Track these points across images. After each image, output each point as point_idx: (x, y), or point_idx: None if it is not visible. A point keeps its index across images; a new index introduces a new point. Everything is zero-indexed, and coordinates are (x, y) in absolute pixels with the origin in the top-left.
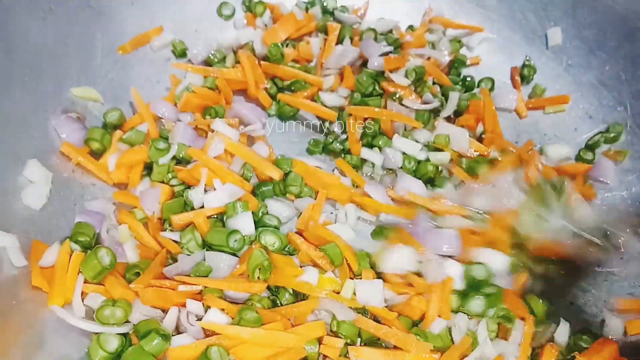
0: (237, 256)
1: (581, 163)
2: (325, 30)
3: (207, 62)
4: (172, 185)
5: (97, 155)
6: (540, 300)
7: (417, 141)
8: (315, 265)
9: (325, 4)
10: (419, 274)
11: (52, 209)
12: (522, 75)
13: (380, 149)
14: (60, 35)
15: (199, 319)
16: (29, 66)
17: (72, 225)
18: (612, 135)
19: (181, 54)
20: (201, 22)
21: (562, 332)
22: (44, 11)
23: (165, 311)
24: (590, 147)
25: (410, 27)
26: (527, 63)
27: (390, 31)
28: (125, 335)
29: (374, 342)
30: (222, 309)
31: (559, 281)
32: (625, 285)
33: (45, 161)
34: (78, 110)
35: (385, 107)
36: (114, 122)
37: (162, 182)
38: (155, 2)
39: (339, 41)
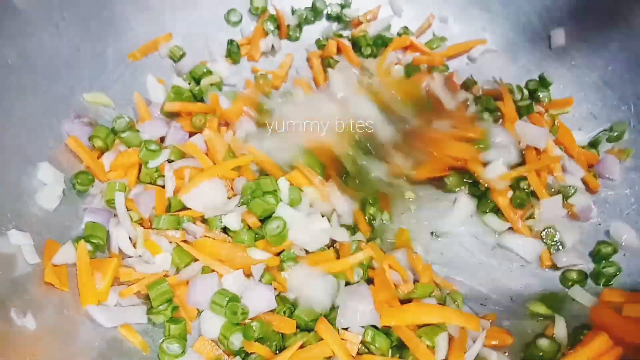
0: None
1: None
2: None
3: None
4: (159, 185)
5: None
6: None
7: None
8: None
9: (329, 12)
10: None
11: (64, 208)
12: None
13: None
14: (73, 42)
15: None
16: (42, 72)
17: (83, 224)
18: (615, 134)
19: (179, 60)
20: (209, 29)
21: (560, 327)
22: (57, 19)
23: None
24: (593, 144)
25: (405, 29)
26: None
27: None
28: None
29: None
30: None
31: None
32: (628, 282)
33: (58, 164)
34: (90, 115)
35: None
36: (122, 129)
37: (149, 182)
38: (164, 10)
39: None
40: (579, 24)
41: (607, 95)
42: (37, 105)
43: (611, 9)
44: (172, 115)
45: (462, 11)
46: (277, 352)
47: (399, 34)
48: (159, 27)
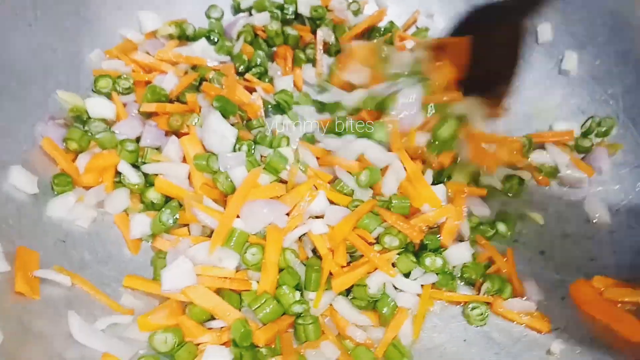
0: None
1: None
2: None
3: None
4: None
5: None
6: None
7: None
8: None
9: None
10: None
11: (37, 214)
12: None
13: None
14: (47, 42)
15: None
16: (15, 73)
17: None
18: (603, 129)
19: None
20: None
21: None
22: (30, 18)
23: None
24: (585, 134)
25: (392, 24)
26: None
27: None
28: None
29: None
30: None
31: None
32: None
33: (33, 167)
34: (65, 117)
35: None
36: (98, 131)
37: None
38: (142, 7)
39: None
40: (566, 18)
41: (595, 90)
42: (10, 108)
43: (598, 3)
44: (149, 114)
45: (449, 7)
46: None
47: (385, 29)
48: (137, 25)
